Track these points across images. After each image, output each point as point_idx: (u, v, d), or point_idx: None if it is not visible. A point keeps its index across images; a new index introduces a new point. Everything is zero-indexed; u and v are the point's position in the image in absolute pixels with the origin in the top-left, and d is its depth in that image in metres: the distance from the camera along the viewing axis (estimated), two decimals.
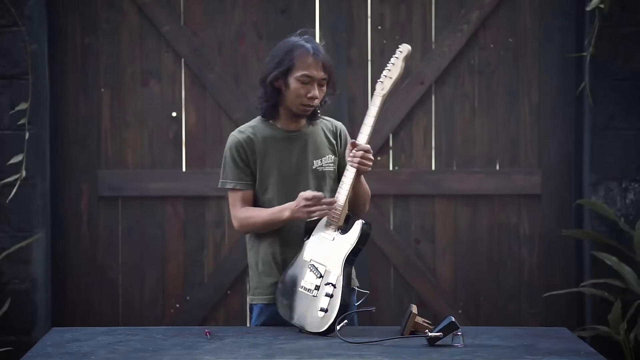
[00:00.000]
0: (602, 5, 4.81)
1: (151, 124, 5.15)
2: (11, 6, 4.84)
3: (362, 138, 3.43)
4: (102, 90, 5.13)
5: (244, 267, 5.10)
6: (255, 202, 3.58)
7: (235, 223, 3.58)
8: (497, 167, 5.16)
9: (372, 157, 3.44)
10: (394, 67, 3.46)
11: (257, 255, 3.60)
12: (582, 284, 4.95)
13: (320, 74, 3.49)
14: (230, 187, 3.56)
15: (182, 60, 5.13)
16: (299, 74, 3.47)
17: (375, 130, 5.27)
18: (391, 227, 5.12)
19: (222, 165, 3.58)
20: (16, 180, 4.84)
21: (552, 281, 5.12)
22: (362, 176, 3.51)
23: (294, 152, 3.56)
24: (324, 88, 3.52)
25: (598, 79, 4.92)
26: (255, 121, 3.61)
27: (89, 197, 5.13)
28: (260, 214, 3.52)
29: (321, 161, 3.57)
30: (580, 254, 5.08)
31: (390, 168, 5.15)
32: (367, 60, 5.12)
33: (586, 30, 4.95)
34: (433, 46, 5.12)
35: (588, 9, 4.86)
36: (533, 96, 5.13)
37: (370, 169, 3.44)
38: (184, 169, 5.15)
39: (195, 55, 5.11)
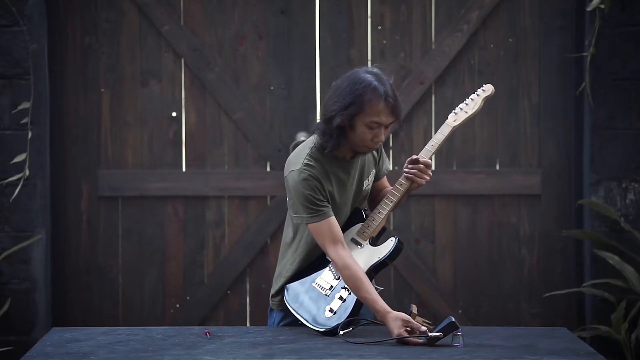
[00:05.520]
0: (602, 6, 4.82)
1: (151, 124, 5.15)
2: (12, 6, 4.84)
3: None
4: (102, 90, 5.13)
5: (244, 267, 5.12)
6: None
7: (332, 257, 3.36)
8: (497, 167, 5.16)
9: (430, 174, 3.41)
10: (472, 103, 3.42)
11: (291, 266, 3.51)
12: (583, 284, 4.95)
13: (389, 120, 3.32)
14: (314, 221, 3.34)
15: (182, 60, 5.13)
16: (367, 120, 3.28)
17: None
18: (391, 227, 5.12)
19: (296, 202, 3.37)
20: (19, 179, 4.84)
21: (552, 281, 5.12)
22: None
23: (352, 179, 3.45)
24: (389, 128, 3.38)
25: (598, 79, 4.92)
26: (315, 152, 3.39)
27: (89, 197, 5.13)
28: (359, 289, 3.30)
29: (368, 180, 3.50)
30: (580, 254, 5.09)
31: (390, 168, 5.14)
32: (367, 60, 5.12)
33: (586, 30, 4.96)
34: (433, 46, 5.12)
35: (588, 9, 4.86)
36: (533, 96, 5.13)
37: (424, 183, 3.41)
38: (184, 169, 5.15)
39: (195, 55, 5.11)
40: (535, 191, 5.13)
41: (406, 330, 3.23)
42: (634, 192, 4.94)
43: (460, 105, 3.44)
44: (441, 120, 5.10)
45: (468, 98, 3.45)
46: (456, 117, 3.43)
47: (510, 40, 5.13)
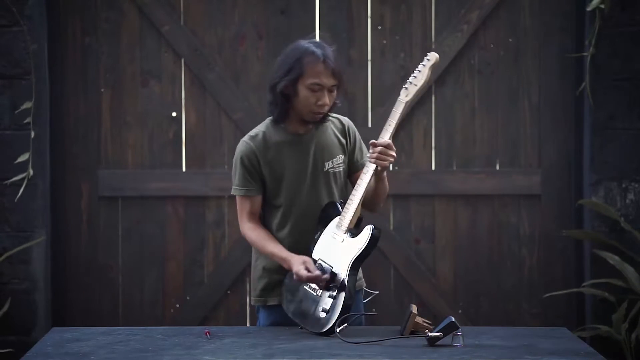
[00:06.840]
0: (602, 5, 4.82)
1: (151, 124, 5.15)
2: (12, 6, 4.84)
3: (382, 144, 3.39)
4: (102, 90, 5.13)
5: (244, 267, 5.11)
6: (267, 207, 3.55)
7: (241, 231, 3.57)
8: (497, 167, 5.16)
9: (394, 153, 3.39)
10: (420, 75, 3.41)
11: (265, 259, 3.57)
12: (583, 284, 4.95)
13: (330, 81, 3.42)
14: (237, 194, 3.53)
15: (182, 60, 5.13)
16: (308, 82, 3.40)
17: (375, 129, 5.25)
18: (391, 227, 5.12)
19: (233, 172, 3.54)
20: (22, 179, 4.85)
21: (552, 281, 5.12)
22: (384, 172, 3.45)
23: (305, 155, 3.52)
24: (334, 93, 3.46)
25: (598, 79, 4.92)
26: (265, 125, 3.55)
27: (89, 197, 5.13)
28: (265, 247, 3.50)
29: (332, 162, 3.53)
30: (580, 254, 5.09)
31: (390, 168, 5.14)
32: (367, 60, 5.12)
33: (586, 30, 4.96)
34: (433, 46, 5.12)
35: (588, 9, 4.86)
36: (533, 96, 5.13)
37: (389, 164, 3.39)
38: (184, 169, 5.15)
39: (195, 55, 5.11)
40: (535, 191, 5.13)
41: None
42: (634, 192, 4.94)
43: (409, 79, 3.42)
44: (441, 120, 5.16)
45: (415, 70, 3.43)
46: (407, 92, 3.42)
47: (510, 40, 5.13)
